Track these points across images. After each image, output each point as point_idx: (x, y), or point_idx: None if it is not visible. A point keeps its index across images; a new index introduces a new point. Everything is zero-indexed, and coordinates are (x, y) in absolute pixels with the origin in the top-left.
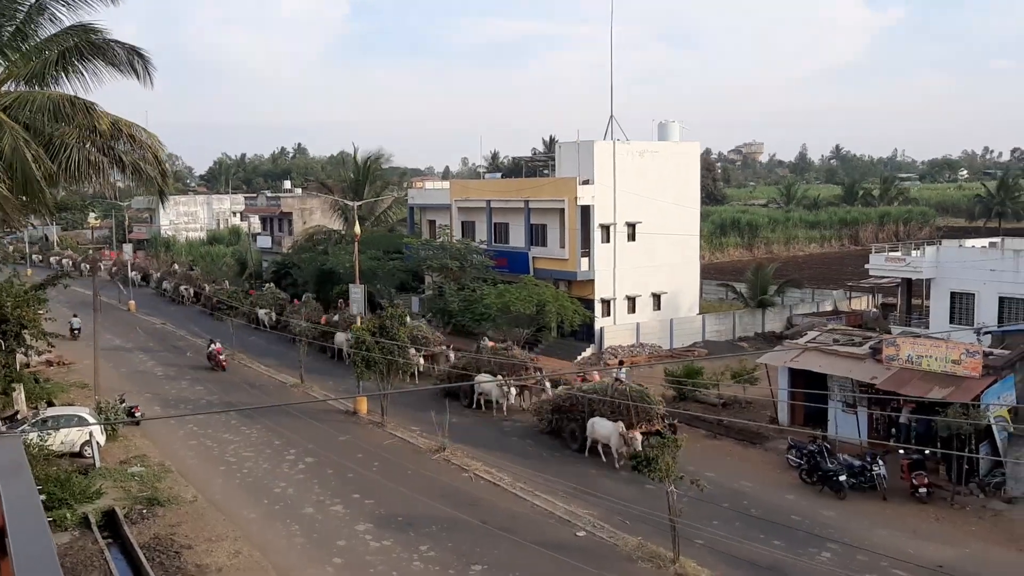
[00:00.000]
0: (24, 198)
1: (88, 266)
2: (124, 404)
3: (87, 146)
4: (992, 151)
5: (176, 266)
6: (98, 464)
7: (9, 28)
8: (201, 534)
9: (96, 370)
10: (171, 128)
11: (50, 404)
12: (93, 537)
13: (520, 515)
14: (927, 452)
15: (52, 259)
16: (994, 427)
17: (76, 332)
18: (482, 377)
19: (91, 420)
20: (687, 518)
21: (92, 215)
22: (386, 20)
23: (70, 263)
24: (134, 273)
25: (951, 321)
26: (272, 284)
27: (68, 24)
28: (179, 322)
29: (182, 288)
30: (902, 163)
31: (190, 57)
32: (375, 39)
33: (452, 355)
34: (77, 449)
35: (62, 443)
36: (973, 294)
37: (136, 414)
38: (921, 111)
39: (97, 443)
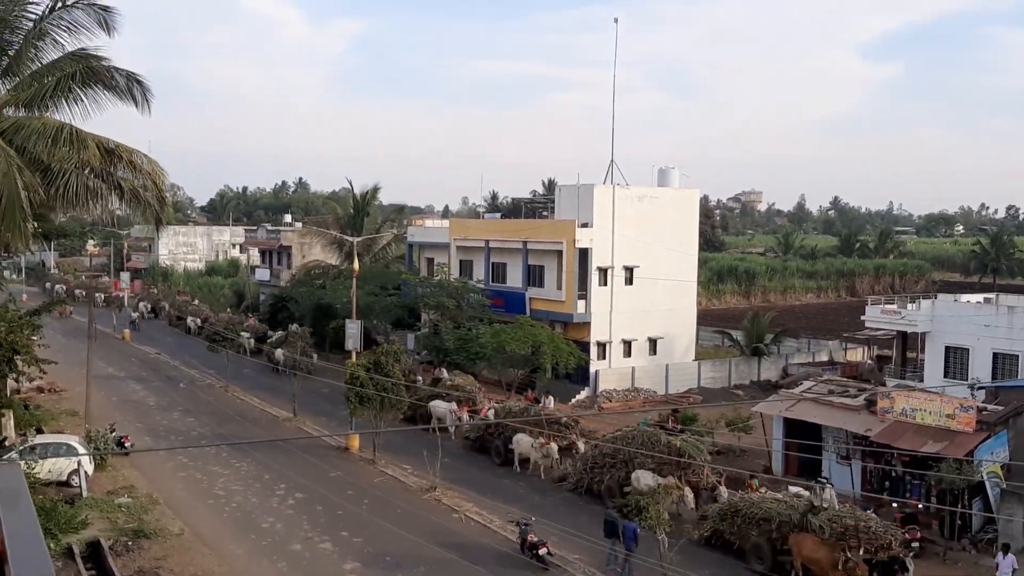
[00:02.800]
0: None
1: (83, 293)
2: (114, 434)
3: (86, 172)
4: (988, 208)
5: (197, 301)
6: (85, 494)
7: (9, 53)
8: (187, 568)
9: (87, 398)
10: (173, 158)
11: (39, 431)
12: (76, 569)
13: (510, 558)
14: (920, 506)
15: (47, 284)
16: (987, 483)
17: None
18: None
19: (80, 449)
20: (679, 566)
21: (91, 242)
22: (384, 58)
23: (63, 289)
24: (143, 304)
25: (945, 375)
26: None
27: (70, 49)
28: (173, 352)
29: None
30: (899, 216)
31: (191, 88)
32: (373, 76)
33: (582, 445)
34: (65, 478)
35: (49, 471)
36: (967, 349)
37: (126, 444)
38: (918, 166)
39: (85, 472)
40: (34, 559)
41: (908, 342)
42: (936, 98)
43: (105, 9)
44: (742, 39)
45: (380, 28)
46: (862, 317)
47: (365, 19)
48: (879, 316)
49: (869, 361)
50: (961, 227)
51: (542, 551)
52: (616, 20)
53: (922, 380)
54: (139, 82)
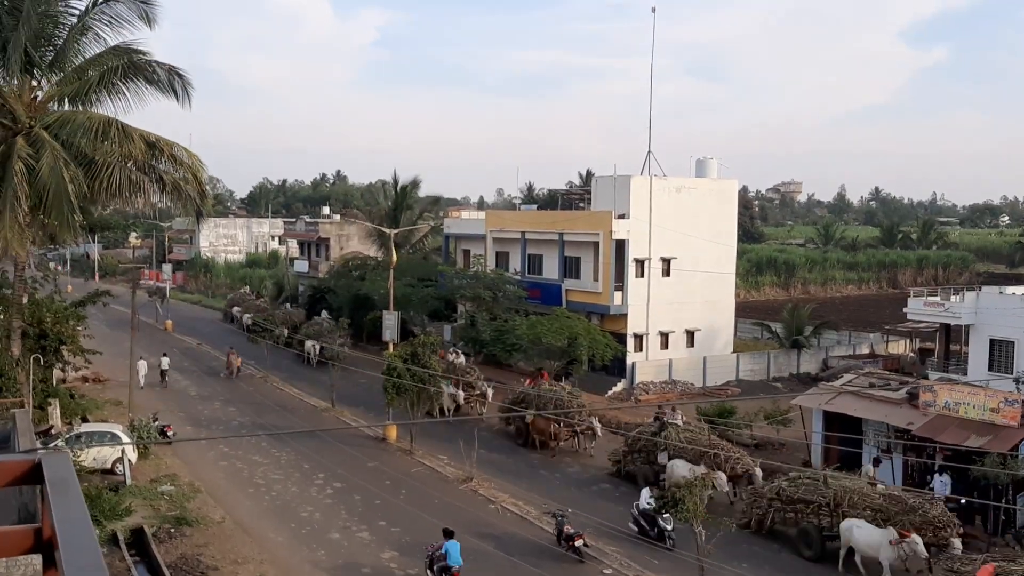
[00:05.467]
0: (45, 220)
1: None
2: (157, 423)
3: (128, 165)
4: None
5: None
6: (129, 482)
7: (52, 49)
8: (227, 556)
9: (131, 388)
10: (212, 151)
11: (84, 420)
12: (120, 555)
13: (546, 549)
14: (963, 501)
15: (233, 311)
16: None
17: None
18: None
19: (124, 438)
20: (716, 559)
21: (133, 235)
22: (414, 49)
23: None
24: (236, 308)
25: (990, 368)
26: (328, 316)
27: (112, 43)
28: (215, 343)
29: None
30: (942, 207)
31: (225, 82)
32: (405, 68)
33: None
34: (109, 466)
35: (94, 459)
36: (1013, 342)
37: (168, 433)
38: (961, 154)
39: (129, 461)
40: (83, 545)
41: (951, 335)
42: (979, 84)
43: (146, 2)
44: (780, 26)
45: (406, 19)
46: (904, 309)
47: (390, 10)
48: (922, 308)
49: (911, 354)
50: (1007, 217)
51: (578, 543)
52: (654, 9)
53: (966, 373)
54: (180, 76)
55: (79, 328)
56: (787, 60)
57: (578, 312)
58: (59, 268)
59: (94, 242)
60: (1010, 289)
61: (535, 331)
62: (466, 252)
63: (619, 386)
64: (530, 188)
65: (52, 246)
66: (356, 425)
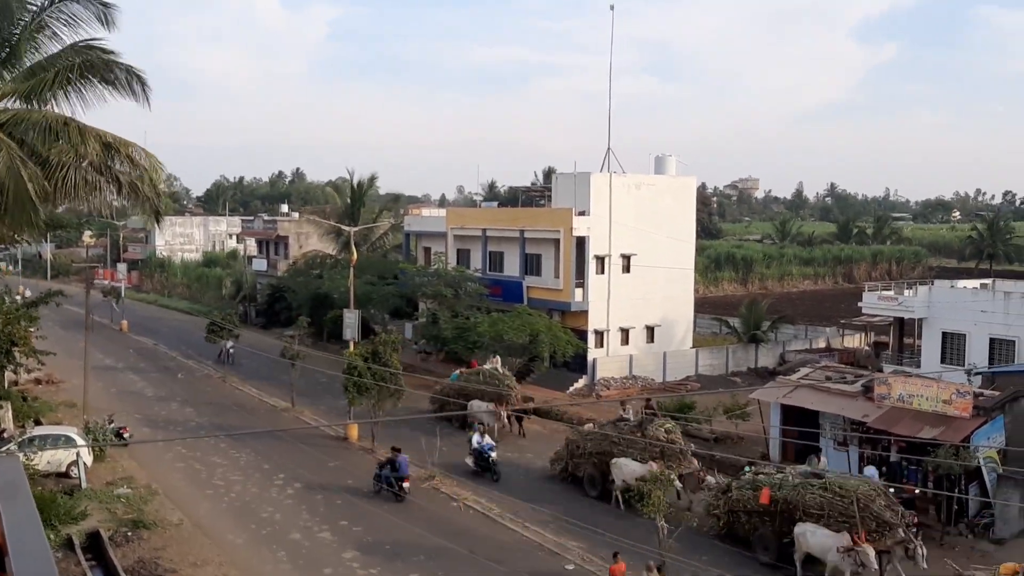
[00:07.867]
0: (7, 219)
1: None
2: (112, 425)
3: (84, 164)
4: (984, 193)
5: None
6: (84, 485)
7: (8, 46)
8: (186, 558)
9: (85, 390)
10: (168, 148)
11: (37, 423)
12: (76, 559)
13: (509, 546)
14: (916, 491)
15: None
16: (983, 468)
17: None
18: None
19: (79, 440)
20: (677, 553)
21: (87, 233)
22: (368, 44)
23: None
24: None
25: (942, 361)
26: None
27: (69, 42)
28: (171, 343)
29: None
30: (895, 203)
31: (179, 78)
32: (360, 63)
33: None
34: (63, 469)
35: (48, 463)
36: (964, 334)
37: (124, 435)
38: (914, 151)
39: (84, 464)
40: (34, 552)
41: (905, 328)
42: (930, 82)
43: (104, 4)
44: (738, 24)
45: (357, 13)
46: (859, 303)
47: (341, 4)
48: (876, 302)
49: (866, 347)
50: (958, 213)
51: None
52: (612, 7)
53: (919, 366)
54: (138, 76)
55: (31, 329)
56: (745, 58)
57: (539, 309)
58: (10, 268)
59: (47, 241)
60: (961, 283)
61: (496, 328)
62: (427, 250)
63: (580, 382)
64: (491, 185)
65: (2, 245)
66: (317, 425)
